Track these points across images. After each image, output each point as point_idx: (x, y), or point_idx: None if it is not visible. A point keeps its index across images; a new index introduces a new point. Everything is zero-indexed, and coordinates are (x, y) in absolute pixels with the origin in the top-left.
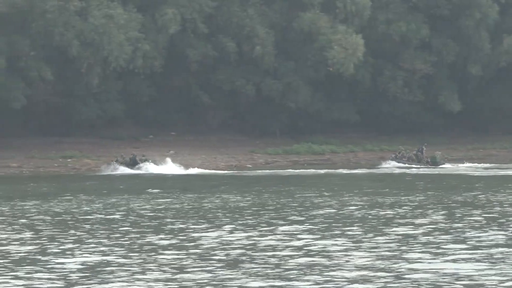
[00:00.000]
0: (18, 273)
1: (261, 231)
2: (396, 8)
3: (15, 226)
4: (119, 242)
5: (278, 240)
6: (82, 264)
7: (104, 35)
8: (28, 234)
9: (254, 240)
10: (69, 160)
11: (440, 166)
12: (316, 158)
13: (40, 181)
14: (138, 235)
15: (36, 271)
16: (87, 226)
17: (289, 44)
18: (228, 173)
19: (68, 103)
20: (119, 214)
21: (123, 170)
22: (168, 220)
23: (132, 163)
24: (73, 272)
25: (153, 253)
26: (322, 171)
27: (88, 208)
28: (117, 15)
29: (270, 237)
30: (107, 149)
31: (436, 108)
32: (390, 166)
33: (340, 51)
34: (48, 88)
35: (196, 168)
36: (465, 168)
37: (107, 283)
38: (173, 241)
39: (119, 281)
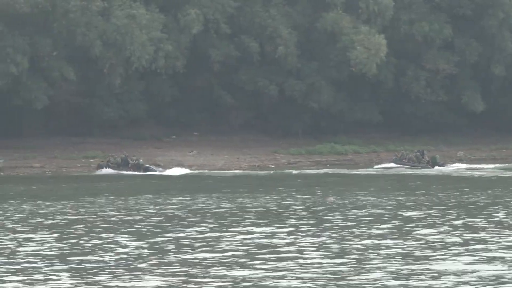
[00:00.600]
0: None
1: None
2: (418, 8)
3: (39, 226)
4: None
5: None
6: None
7: (126, 35)
8: (54, 235)
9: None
10: (91, 160)
11: (440, 167)
12: (339, 158)
13: (63, 182)
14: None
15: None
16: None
17: (312, 45)
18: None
19: (90, 103)
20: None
21: (114, 171)
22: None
23: (124, 164)
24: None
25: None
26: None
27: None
28: (139, 15)
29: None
30: (129, 149)
31: (459, 108)
32: (389, 166)
33: (363, 52)
34: (70, 88)
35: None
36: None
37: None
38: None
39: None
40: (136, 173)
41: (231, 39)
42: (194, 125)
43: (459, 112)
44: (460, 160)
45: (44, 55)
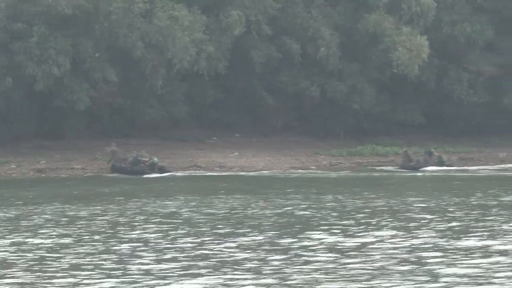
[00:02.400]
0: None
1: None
2: (461, 9)
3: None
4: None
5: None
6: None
7: (168, 37)
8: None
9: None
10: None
11: (448, 167)
12: (380, 159)
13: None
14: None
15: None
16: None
17: (353, 46)
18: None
19: (132, 104)
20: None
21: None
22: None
23: (135, 164)
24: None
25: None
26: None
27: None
28: (181, 17)
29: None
30: (171, 150)
31: (501, 109)
32: (392, 169)
33: (405, 53)
34: (112, 90)
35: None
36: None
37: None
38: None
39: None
40: (154, 175)
41: (273, 41)
42: (235, 126)
43: (501, 114)
44: (502, 161)
45: (86, 56)
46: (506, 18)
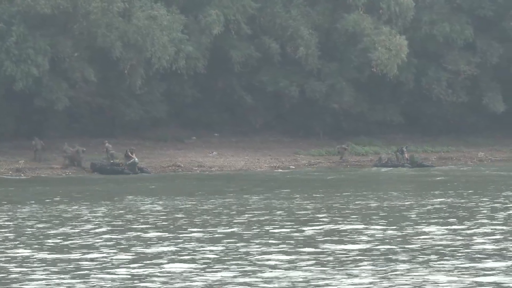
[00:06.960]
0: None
1: None
2: (439, 8)
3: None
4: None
5: None
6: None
7: (147, 36)
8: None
9: None
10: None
11: (420, 166)
12: (359, 159)
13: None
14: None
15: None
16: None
17: (332, 45)
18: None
19: (111, 104)
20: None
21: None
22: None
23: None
24: None
25: None
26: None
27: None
28: (160, 17)
29: None
30: (150, 150)
31: (480, 109)
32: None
33: (384, 52)
34: (91, 89)
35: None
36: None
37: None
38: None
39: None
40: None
41: (252, 40)
42: (215, 126)
43: (480, 113)
44: (480, 161)
45: (65, 56)
46: (485, 18)
